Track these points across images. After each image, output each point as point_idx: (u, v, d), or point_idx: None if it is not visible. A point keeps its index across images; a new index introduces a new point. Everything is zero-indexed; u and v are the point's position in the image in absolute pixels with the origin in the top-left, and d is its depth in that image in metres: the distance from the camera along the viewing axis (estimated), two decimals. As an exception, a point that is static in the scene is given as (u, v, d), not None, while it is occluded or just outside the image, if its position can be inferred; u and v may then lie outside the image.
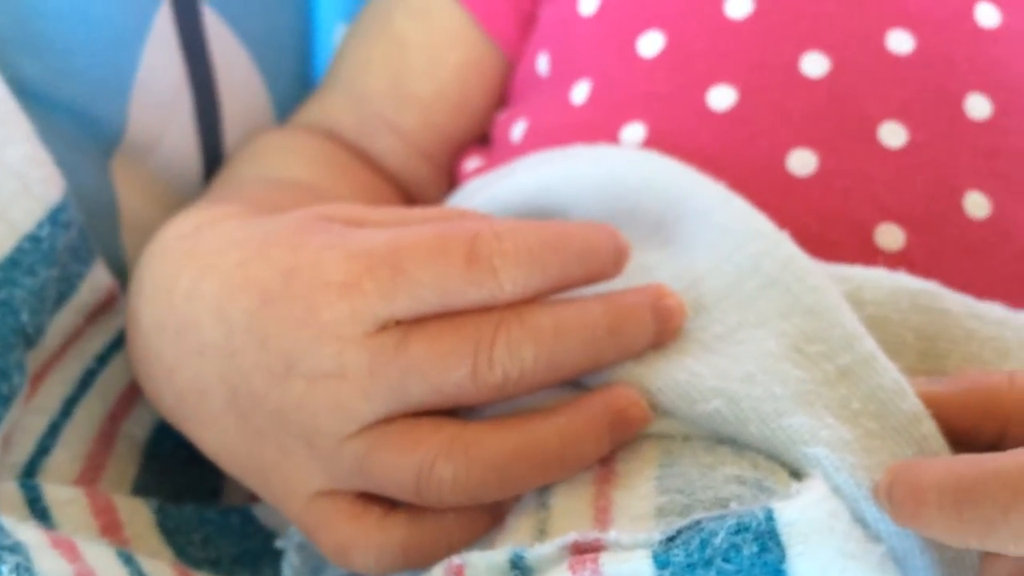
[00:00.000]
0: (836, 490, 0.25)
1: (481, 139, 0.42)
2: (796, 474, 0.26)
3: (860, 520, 0.25)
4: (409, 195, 0.41)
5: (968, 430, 0.26)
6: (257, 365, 0.26)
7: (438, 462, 0.25)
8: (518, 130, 0.37)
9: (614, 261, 0.28)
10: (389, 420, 0.26)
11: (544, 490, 0.26)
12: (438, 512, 0.26)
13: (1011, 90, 0.33)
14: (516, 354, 0.26)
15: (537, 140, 0.36)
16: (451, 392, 0.26)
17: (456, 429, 0.26)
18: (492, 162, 0.38)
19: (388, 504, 0.27)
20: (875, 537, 0.25)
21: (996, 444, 0.26)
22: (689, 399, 0.26)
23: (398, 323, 0.26)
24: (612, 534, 0.23)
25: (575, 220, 0.32)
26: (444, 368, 0.25)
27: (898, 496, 0.23)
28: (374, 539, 0.26)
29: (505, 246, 0.26)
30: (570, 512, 0.25)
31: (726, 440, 0.26)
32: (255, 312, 0.27)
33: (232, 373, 0.27)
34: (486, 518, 0.26)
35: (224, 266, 0.28)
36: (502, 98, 0.41)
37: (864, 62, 0.33)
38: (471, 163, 0.40)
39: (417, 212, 0.29)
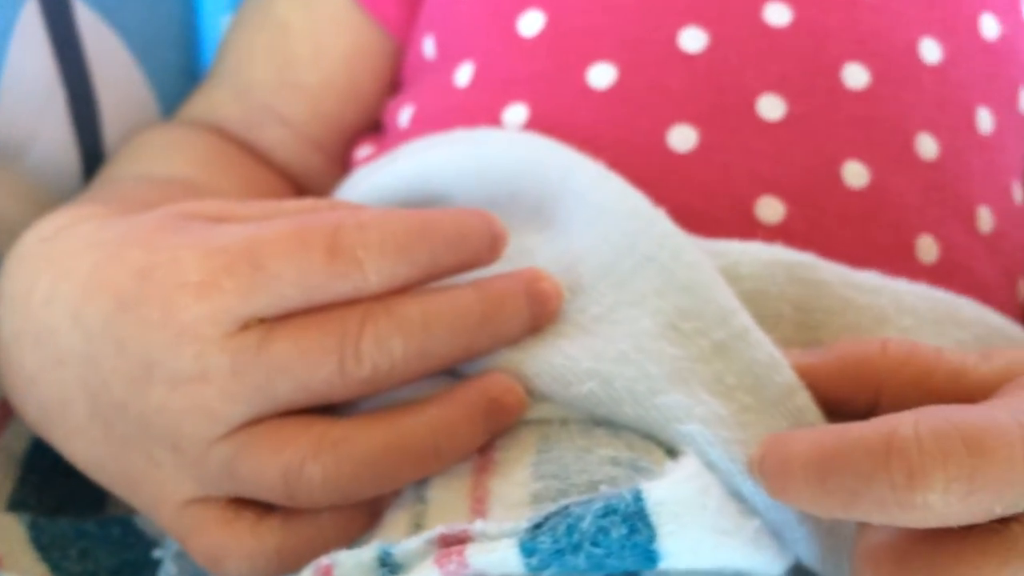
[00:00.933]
0: (711, 466, 0.25)
1: (374, 126, 0.41)
2: (672, 453, 0.26)
3: (736, 495, 0.25)
4: (301, 187, 0.40)
5: (843, 399, 0.26)
6: (116, 371, 0.26)
7: (307, 462, 0.25)
8: (405, 115, 0.37)
9: (489, 247, 0.27)
10: (257, 422, 0.25)
11: (422, 483, 0.26)
12: (313, 513, 0.26)
13: (888, 58, 0.33)
14: (384, 346, 0.25)
15: (423, 125, 0.36)
16: (319, 389, 0.25)
17: (325, 427, 0.25)
18: (383, 149, 0.37)
19: (262, 508, 0.26)
20: (750, 511, 0.25)
21: (871, 412, 0.26)
22: (564, 382, 0.26)
23: (261, 321, 0.25)
24: (478, 524, 0.22)
25: (457, 206, 0.32)
26: (310, 365, 0.25)
27: (768, 469, 0.23)
28: (247, 546, 0.26)
29: (369, 236, 0.25)
30: (447, 504, 0.25)
31: (603, 422, 0.26)
32: (111, 316, 0.26)
33: (92, 381, 0.26)
34: (363, 516, 0.26)
35: (81, 269, 0.27)
36: (394, 83, 0.41)
37: (742, 36, 0.33)
38: (363, 151, 0.39)
39: (286, 205, 0.29)
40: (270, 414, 0.25)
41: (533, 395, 0.27)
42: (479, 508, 0.25)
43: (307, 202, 0.29)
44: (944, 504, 0.21)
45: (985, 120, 0.34)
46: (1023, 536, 0.21)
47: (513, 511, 0.24)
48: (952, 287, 0.32)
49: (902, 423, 0.21)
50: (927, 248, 0.32)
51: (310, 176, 0.40)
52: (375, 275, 0.25)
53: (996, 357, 0.25)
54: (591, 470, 0.25)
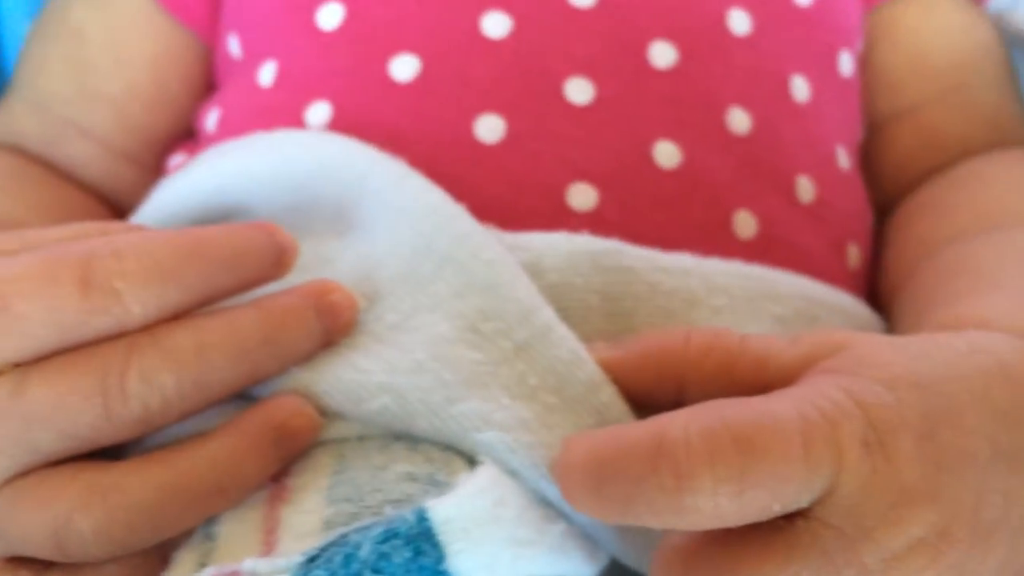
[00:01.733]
0: (514, 473, 0.24)
1: (191, 132, 0.39)
2: (475, 463, 0.25)
3: (543, 500, 0.24)
4: (114, 204, 0.38)
5: (648, 393, 0.25)
6: None
7: (75, 516, 0.23)
8: (212, 119, 0.35)
9: (275, 261, 0.26)
10: (22, 475, 0.24)
11: (212, 518, 0.24)
12: (95, 566, 0.24)
13: (695, 34, 0.33)
14: (153, 382, 0.23)
15: (228, 128, 0.34)
16: (86, 435, 0.23)
17: (94, 475, 0.23)
18: (194, 156, 0.35)
19: (42, 564, 0.24)
20: (555, 516, 0.24)
21: (679, 404, 0.25)
22: (356, 399, 0.25)
23: (16, 366, 0.23)
24: (247, 563, 0.21)
25: (256, 215, 0.30)
26: (70, 411, 0.23)
27: (556, 476, 0.23)
28: None
29: (126, 265, 0.23)
30: (237, 539, 0.24)
31: (403, 436, 0.25)
32: None
33: None
34: (151, 561, 0.24)
35: None
36: (210, 86, 0.39)
37: (546, 18, 0.32)
38: (176, 159, 0.37)
39: (48, 234, 0.26)
40: (35, 466, 0.24)
41: (327, 414, 0.25)
42: (270, 540, 0.23)
43: (72, 228, 0.26)
44: (714, 506, 0.20)
45: (800, 88, 0.34)
46: (806, 532, 0.21)
47: (303, 541, 0.23)
48: (773, 261, 0.31)
49: (673, 424, 0.21)
50: (744, 223, 0.32)
51: (122, 190, 0.38)
52: (138, 306, 0.23)
53: (802, 341, 0.25)
54: (386, 489, 0.24)
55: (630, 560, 0.25)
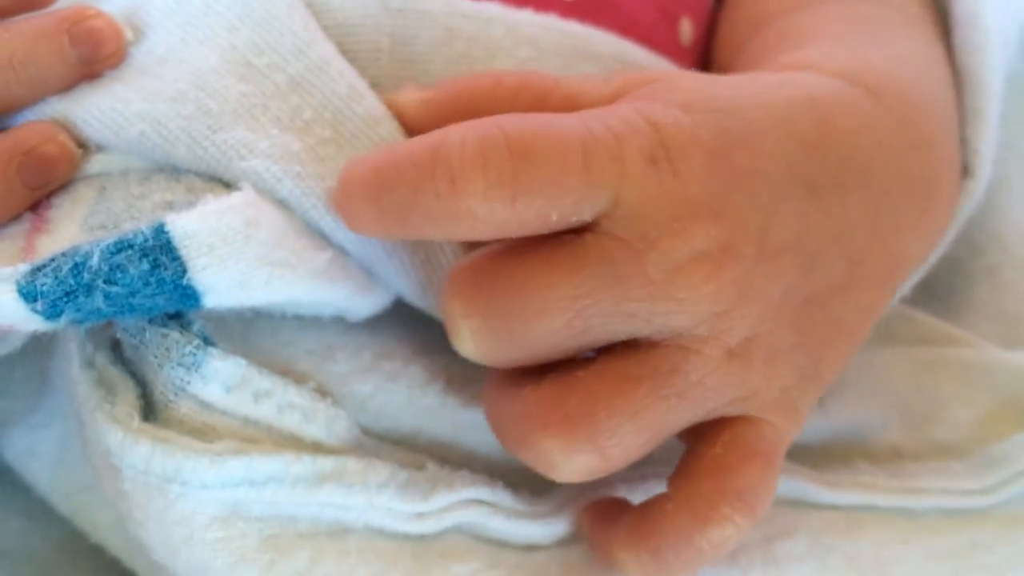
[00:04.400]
0: (283, 202, 0.24)
1: None
2: (240, 192, 0.24)
3: (316, 229, 0.24)
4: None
5: None
6: None
7: None
8: None
9: None
10: None
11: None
12: None
13: None
14: None
15: None
16: None
17: None
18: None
19: None
20: (325, 246, 0.24)
21: None
22: (115, 127, 0.24)
23: None
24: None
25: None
26: None
27: (336, 199, 0.22)
28: None
29: None
30: (-9, 269, 0.23)
31: (166, 168, 0.24)
32: None
33: None
34: None
35: None
36: None
37: None
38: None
39: None
40: None
41: (88, 146, 0.24)
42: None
43: None
44: (488, 210, 0.20)
45: None
46: (593, 245, 0.21)
47: (56, 266, 0.22)
48: (597, 23, 0.30)
49: (451, 132, 0.21)
50: None
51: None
52: None
53: (615, 79, 0.24)
54: (142, 216, 0.23)
55: (415, 297, 0.25)
